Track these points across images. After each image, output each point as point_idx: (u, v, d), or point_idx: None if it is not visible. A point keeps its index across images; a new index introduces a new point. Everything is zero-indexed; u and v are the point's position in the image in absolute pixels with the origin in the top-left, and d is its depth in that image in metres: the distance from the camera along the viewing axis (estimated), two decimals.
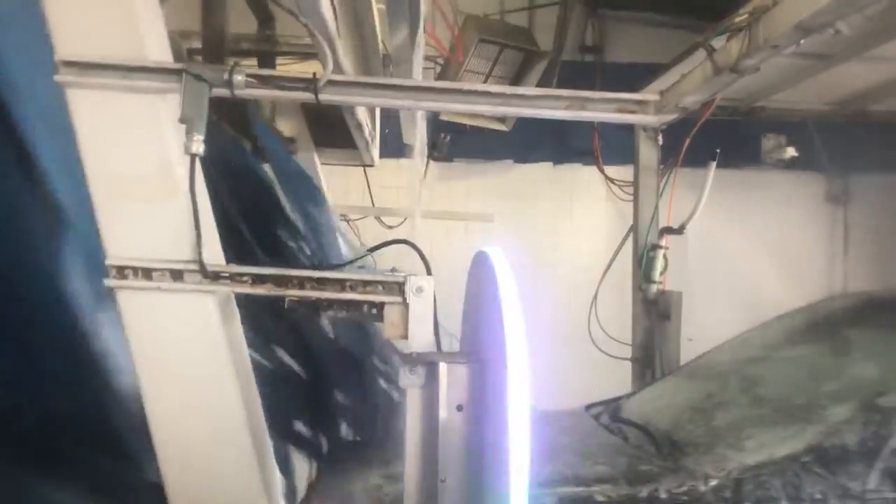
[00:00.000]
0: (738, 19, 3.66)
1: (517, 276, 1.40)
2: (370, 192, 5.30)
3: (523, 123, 5.71)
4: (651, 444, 2.68)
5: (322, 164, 4.14)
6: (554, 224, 6.28)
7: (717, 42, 3.97)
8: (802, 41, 3.43)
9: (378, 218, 5.59)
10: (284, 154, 3.70)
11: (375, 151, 4.43)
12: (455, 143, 6.06)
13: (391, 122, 4.67)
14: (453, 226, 5.82)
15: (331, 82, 1.60)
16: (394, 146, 4.87)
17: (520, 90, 1.59)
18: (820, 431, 2.35)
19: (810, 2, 3.00)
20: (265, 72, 1.60)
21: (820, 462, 2.25)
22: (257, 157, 3.41)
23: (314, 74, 1.59)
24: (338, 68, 2.07)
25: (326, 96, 1.60)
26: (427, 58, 4.16)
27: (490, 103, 1.60)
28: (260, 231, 2.89)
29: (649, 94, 1.63)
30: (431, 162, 6.04)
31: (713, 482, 2.28)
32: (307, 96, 1.60)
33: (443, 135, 5.97)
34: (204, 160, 1.58)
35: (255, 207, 3.01)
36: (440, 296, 1.60)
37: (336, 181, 4.89)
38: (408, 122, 4.20)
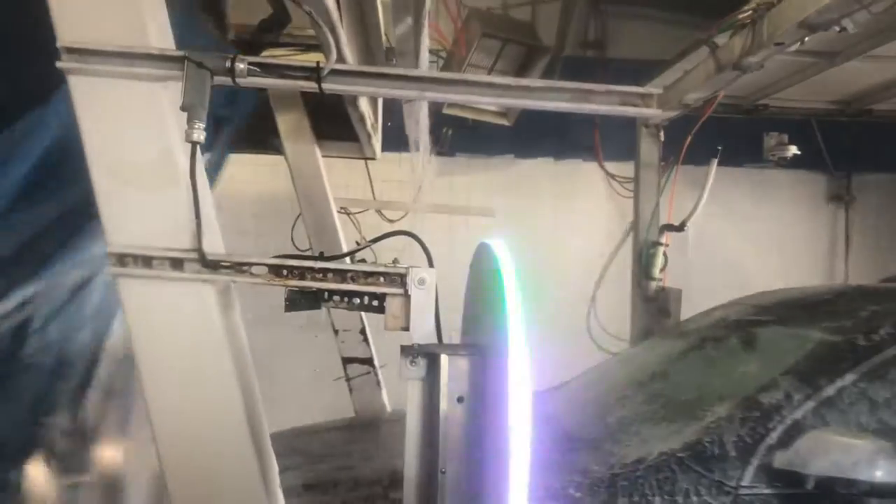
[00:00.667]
0: (741, 16, 3.66)
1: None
2: (371, 186, 5.29)
3: (525, 118, 5.71)
4: (549, 439, 2.69)
5: (323, 156, 4.13)
6: (554, 220, 6.29)
7: (721, 39, 3.97)
8: (807, 39, 3.43)
9: (379, 211, 5.58)
10: None
11: (377, 145, 4.42)
12: (457, 137, 6.06)
13: (394, 116, 4.66)
14: (454, 220, 5.82)
15: (334, 71, 1.59)
16: (396, 140, 4.87)
17: (524, 81, 1.58)
18: (701, 428, 2.36)
19: None
20: (268, 60, 1.59)
21: (696, 458, 2.26)
22: None
23: (317, 63, 1.58)
24: (341, 59, 2.06)
25: (330, 85, 1.59)
26: (430, 52, 4.15)
27: (494, 94, 1.59)
28: None
29: (653, 88, 1.62)
30: (433, 156, 6.03)
31: (590, 478, 2.28)
32: (310, 85, 1.59)
33: (445, 129, 5.97)
34: None
35: None
36: (441, 291, 1.60)
37: (337, 174, 4.87)
38: (410, 115, 4.19)
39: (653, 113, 1.60)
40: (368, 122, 3.72)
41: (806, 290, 3.52)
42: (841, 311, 2.79)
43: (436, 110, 5.35)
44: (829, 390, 2.35)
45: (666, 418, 2.58)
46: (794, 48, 3.56)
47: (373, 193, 5.40)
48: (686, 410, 2.55)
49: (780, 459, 2.20)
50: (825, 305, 3.02)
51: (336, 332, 4.16)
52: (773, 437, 2.26)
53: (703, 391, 2.66)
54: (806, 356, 2.52)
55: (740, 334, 3.07)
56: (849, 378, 2.37)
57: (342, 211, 4.90)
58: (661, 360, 3.28)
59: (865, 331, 2.53)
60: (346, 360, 4.19)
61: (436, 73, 1.64)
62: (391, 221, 5.61)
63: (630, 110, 1.59)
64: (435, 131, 5.73)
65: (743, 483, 2.21)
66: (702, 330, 3.34)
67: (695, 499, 2.19)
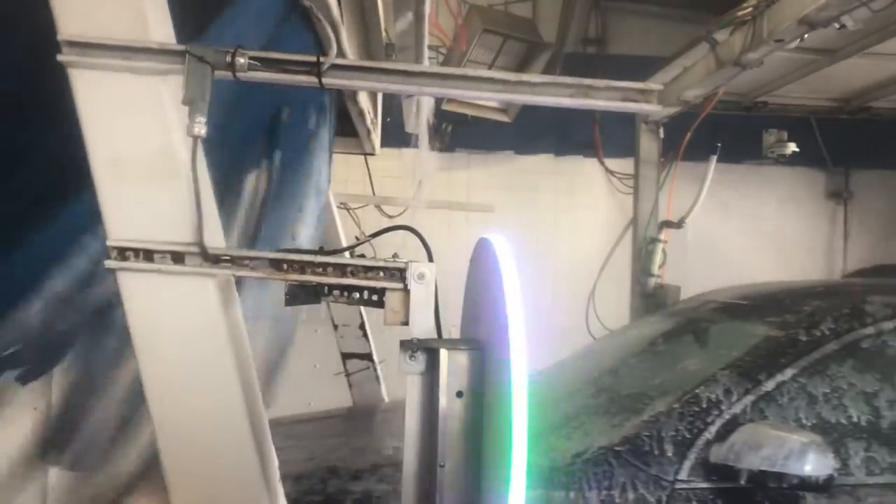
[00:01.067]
0: (741, 12, 3.68)
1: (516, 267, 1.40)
2: (371, 181, 5.29)
3: (525, 115, 5.71)
4: None
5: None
6: (554, 216, 6.29)
7: (721, 35, 3.99)
8: (806, 35, 3.44)
9: (378, 207, 5.59)
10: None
11: (377, 140, 4.42)
12: (457, 133, 6.06)
13: (393, 111, 4.66)
14: (454, 216, 5.82)
15: (335, 66, 1.59)
16: (395, 135, 4.87)
17: (524, 77, 1.57)
18: (640, 422, 2.37)
19: None
20: (268, 54, 1.59)
21: (634, 452, 2.27)
22: None
23: (318, 57, 1.58)
24: (341, 54, 2.06)
25: (330, 80, 1.59)
26: (430, 47, 4.14)
27: (495, 90, 1.59)
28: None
29: (653, 84, 1.62)
30: (433, 152, 6.03)
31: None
32: (310, 80, 1.59)
33: (444, 125, 5.97)
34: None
35: None
36: (440, 287, 1.60)
37: (336, 169, 4.86)
38: (410, 110, 4.18)
39: (653, 109, 1.60)
40: (368, 118, 3.71)
41: (767, 286, 3.52)
42: (789, 306, 2.79)
43: (435, 106, 5.36)
44: (769, 385, 2.36)
45: (610, 412, 2.59)
46: (793, 45, 3.58)
47: (372, 189, 5.40)
48: (629, 404, 2.56)
49: (716, 454, 2.21)
50: (778, 301, 3.01)
51: (336, 327, 4.16)
52: (711, 431, 2.27)
53: (648, 386, 2.66)
54: (748, 351, 2.53)
55: (692, 330, 3.08)
56: (788, 373, 2.38)
57: (342, 206, 4.91)
58: (615, 355, 3.29)
59: (807, 326, 2.54)
60: (346, 356, 4.19)
61: (436, 69, 1.64)
62: (390, 217, 5.62)
63: (631, 106, 1.59)
64: (434, 127, 5.73)
65: (679, 477, 2.21)
66: (658, 325, 3.36)
67: (631, 493, 2.20)
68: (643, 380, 2.80)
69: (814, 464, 2.06)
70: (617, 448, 2.28)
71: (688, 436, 2.27)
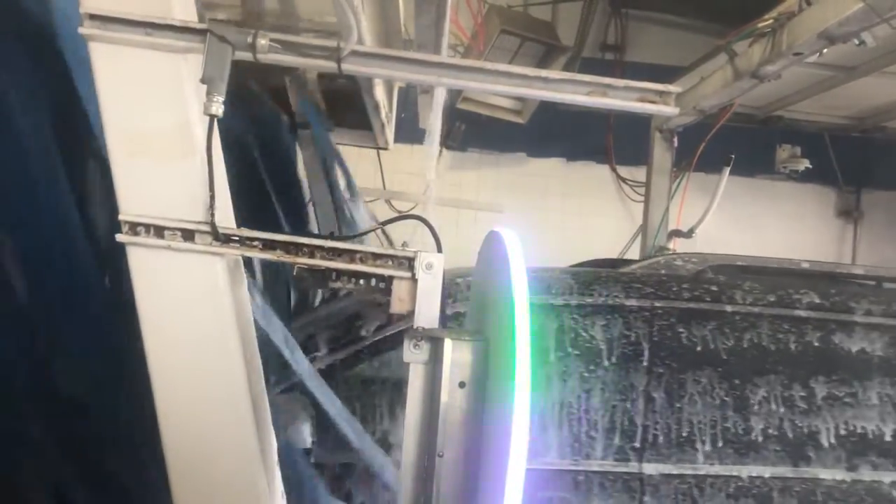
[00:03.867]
0: (762, 24, 3.67)
1: None
2: (382, 176, 5.29)
3: (539, 117, 5.70)
4: None
5: (335, 143, 4.13)
6: (563, 220, 6.28)
7: (740, 47, 3.98)
8: (825, 51, 3.43)
9: (388, 202, 5.59)
10: (324, 133, 3.72)
11: (390, 135, 4.42)
12: (469, 132, 6.06)
13: (407, 108, 4.66)
14: (463, 215, 5.82)
15: (354, 52, 1.60)
16: (409, 132, 4.86)
17: (542, 73, 1.57)
18: None
19: (837, 9, 3.00)
20: (289, 38, 1.59)
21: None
22: (292, 132, 3.56)
23: (338, 43, 1.58)
24: (360, 42, 2.06)
25: (349, 66, 1.60)
26: (448, 46, 4.13)
27: (512, 84, 1.58)
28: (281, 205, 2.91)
29: (672, 87, 1.62)
30: (444, 150, 6.03)
31: None
32: (330, 65, 1.59)
33: (458, 123, 5.97)
34: (238, 125, 1.57)
35: (280, 180, 3.01)
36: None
37: (348, 161, 4.88)
38: (425, 106, 4.18)
39: (671, 111, 1.60)
40: (383, 111, 3.72)
41: None
42: None
43: (450, 104, 5.36)
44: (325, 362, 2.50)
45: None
46: (812, 59, 3.57)
47: (383, 184, 5.41)
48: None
49: None
50: None
51: None
52: None
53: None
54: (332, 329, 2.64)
55: None
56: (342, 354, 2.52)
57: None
58: None
59: None
60: None
61: (454, 60, 1.64)
62: (400, 213, 5.62)
63: (648, 107, 1.59)
64: (448, 125, 5.73)
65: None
66: None
67: None
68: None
69: (299, 436, 2.22)
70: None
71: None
